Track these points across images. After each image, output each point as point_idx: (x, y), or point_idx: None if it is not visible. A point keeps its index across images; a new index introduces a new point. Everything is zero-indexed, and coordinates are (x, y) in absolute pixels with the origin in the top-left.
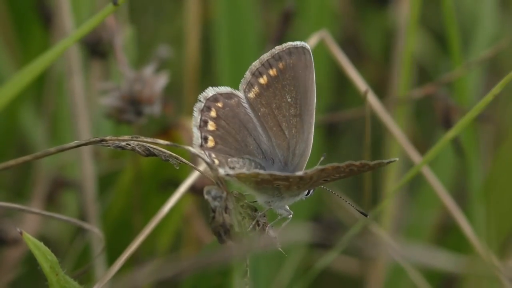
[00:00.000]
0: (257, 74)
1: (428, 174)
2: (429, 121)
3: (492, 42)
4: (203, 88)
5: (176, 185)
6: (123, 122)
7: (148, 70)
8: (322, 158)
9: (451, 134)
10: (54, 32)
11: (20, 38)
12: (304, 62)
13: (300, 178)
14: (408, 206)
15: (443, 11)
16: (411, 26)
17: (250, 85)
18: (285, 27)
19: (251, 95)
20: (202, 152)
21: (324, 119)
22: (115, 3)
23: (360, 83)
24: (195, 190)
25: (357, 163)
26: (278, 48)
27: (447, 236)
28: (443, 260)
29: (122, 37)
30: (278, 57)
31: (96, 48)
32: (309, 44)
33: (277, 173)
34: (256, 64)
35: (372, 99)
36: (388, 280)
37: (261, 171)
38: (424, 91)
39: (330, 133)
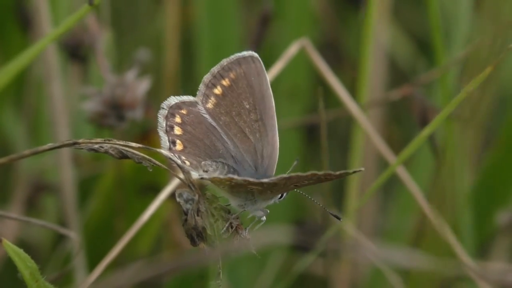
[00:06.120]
0: (211, 85)
1: (403, 175)
2: (409, 125)
3: (467, 42)
4: (183, 92)
5: (156, 190)
6: (105, 127)
7: (130, 75)
8: (295, 163)
9: (426, 132)
10: (33, 36)
11: None
12: (255, 69)
13: (274, 184)
14: (386, 210)
15: (428, 14)
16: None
17: (206, 96)
18: (263, 29)
19: (209, 105)
20: (173, 154)
21: (302, 122)
22: (90, 3)
23: (340, 90)
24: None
25: (321, 173)
26: (226, 60)
27: (425, 239)
28: (419, 261)
29: (103, 41)
30: (228, 68)
31: (76, 52)
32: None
33: (251, 179)
34: (208, 76)
35: (348, 102)
36: (361, 282)
37: (236, 177)
38: (401, 92)
39: (311, 138)
